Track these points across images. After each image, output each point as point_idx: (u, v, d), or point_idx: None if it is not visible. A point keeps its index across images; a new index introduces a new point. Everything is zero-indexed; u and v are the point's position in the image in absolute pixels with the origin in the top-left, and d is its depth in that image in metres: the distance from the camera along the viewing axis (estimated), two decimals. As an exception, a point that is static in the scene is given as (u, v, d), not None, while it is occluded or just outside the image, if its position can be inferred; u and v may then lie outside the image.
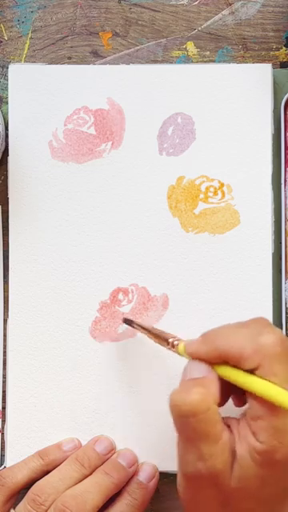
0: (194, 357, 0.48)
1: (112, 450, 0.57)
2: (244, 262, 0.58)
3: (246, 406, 0.47)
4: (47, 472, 0.56)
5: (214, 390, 0.46)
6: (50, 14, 0.60)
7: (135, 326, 0.56)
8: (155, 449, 0.57)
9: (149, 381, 0.57)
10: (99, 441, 0.57)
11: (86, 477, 0.55)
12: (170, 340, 0.51)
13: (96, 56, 0.60)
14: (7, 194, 0.59)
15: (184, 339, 0.51)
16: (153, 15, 0.60)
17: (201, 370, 0.47)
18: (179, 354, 0.50)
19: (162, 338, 0.53)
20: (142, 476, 0.56)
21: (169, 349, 0.52)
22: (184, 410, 0.45)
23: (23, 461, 0.56)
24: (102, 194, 0.59)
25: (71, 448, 0.57)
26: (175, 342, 0.51)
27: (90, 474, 0.55)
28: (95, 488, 0.54)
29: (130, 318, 0.57)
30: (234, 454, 0.46)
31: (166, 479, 0.57)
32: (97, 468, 0.55)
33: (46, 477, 0.55)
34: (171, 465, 0.56)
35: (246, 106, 0.58)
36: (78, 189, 0.59)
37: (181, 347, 0.50)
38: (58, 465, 0.56)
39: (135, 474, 0.56)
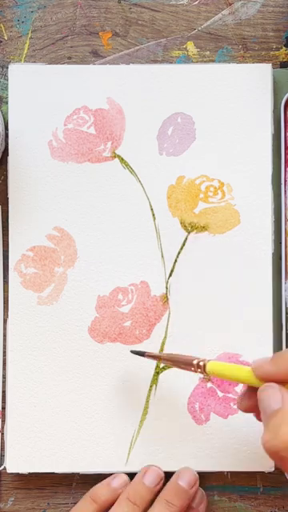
0: (265, 379, 0.47)
1: (162, 479, 0.56)
2: (244, 261, 0.58)
3: None
4: None
5: None
6: (49, 14, 0.60)
7: (147, 356, 0.55)
8: (153, 446, 0.57)
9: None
10: (147, 473, 0.56)
11: None
12: (195, 362, 0.51)
13: (96, 56, 0.60)
14: (7, 193, 0.59)
15: (207, 358, 0.51)
16: (153, 15, 0.60)
17: (277, 400, 0.46)
18: (207, 373, 0.51)
19: (183, 363, 0.52)
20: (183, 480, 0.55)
21: (194, 372, 0.52)
22: (282, 454, 0.44)
23: (77, 509, 0.55)
24: (102, 194, 0.59)
25: (120, 484, 0.56)
26: (201, 363, 0.51)
27: (145, 510, 0.54)
28: None
29: (140, 350, 0.56)
30: None
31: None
32: (149, 502, 0.54)
33: None
34: (173, 464, 0.56)
35: (245, 106, 0.58)
36: (78, 189, 0.59)
37: (209, 366, 0.50)
38: (112, 504, 0.55)
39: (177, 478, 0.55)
